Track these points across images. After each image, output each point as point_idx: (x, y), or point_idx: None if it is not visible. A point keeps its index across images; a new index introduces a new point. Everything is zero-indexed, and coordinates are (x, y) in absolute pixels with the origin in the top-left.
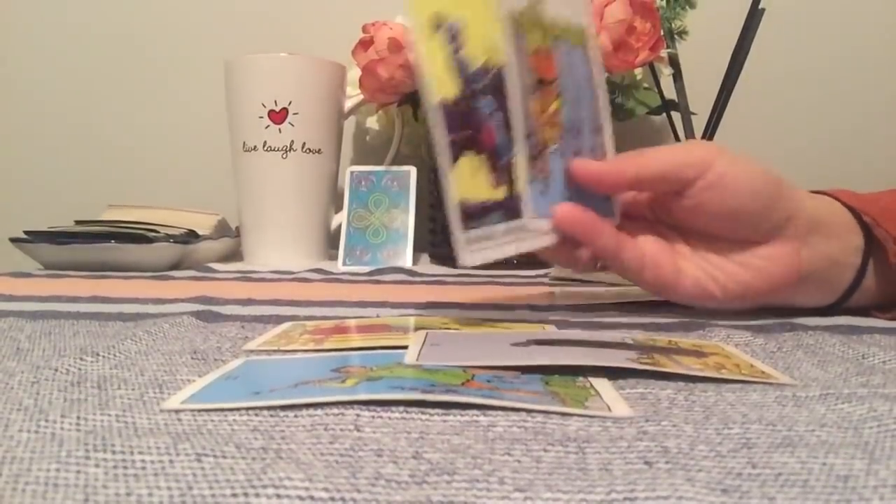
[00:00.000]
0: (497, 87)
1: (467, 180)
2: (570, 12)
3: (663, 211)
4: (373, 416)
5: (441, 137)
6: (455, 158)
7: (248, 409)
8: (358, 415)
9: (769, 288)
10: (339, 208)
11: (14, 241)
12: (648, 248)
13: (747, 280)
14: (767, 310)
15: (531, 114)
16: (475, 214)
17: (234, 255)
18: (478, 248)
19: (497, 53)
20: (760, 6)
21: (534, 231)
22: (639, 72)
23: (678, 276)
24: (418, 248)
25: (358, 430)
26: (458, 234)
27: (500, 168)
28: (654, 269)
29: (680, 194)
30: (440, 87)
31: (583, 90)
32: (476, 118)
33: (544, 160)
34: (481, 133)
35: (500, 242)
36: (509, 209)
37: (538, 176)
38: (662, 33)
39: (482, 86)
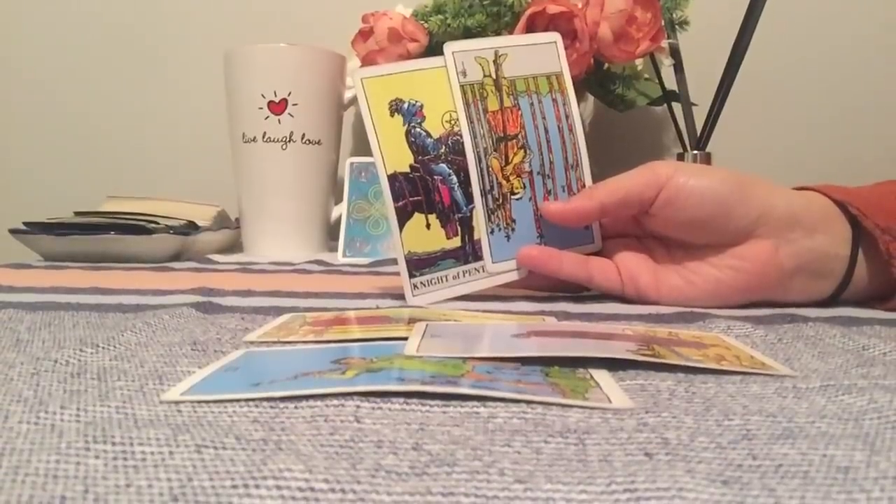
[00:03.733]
0: (456, 151)
1: (417, 237)
2: (537, 64)
3: (640, 227)
4: (373, 408)
5: (391, 203)
6: (406, 219)
7: (247, 400)
8: (358, 406)
9: (746, 286)
10: (338, 199)
11: (13, 232)
12: (626, 263)
13: (723, 280)
14: (767, 302)
15: (492, 170)
16: (423, 263)
17: (234, 246)
18: (424, 290)
19: (454, 123)
20: None
21: (495, 272)
22: (639, 62)
23: (657, 285)
24: None
25: (358, 422)
26: (406, 280)
27: (457, 221)
28: (632, 281)
29: (646, 213)
30: (393, 161)
31: (553, 134)
32: (429, 183)
33: (507, 209)
34: (434, 195)
35: (452, 284)
36: (465, 255)
37: (500, 224)
38: (663, 24)
39: (439, 153)
